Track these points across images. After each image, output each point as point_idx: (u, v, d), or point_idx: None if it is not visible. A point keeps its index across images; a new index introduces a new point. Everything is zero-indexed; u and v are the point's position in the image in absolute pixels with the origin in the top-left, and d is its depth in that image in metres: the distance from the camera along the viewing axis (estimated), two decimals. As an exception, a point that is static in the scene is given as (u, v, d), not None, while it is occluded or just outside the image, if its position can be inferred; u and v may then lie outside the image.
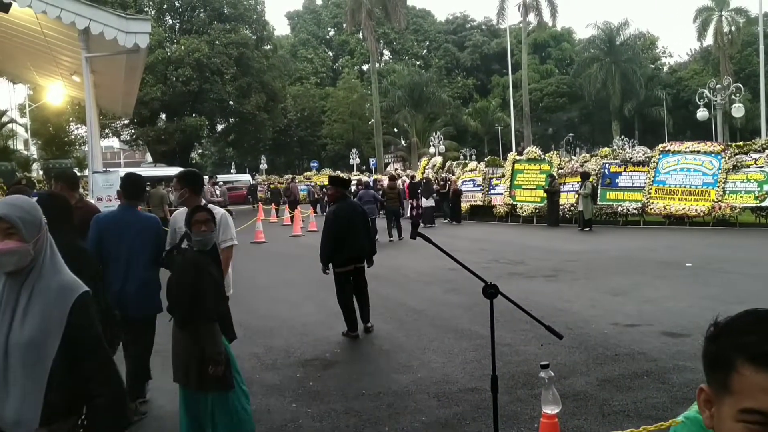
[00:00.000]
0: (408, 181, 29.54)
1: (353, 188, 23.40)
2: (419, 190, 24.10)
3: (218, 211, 4.65)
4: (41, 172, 26.54)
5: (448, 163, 30.34)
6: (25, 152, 32.00)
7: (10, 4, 12.76)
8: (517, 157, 24.85)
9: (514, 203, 23.60)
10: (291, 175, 43.39)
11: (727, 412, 1.14)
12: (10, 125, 20.80)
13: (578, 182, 20.78)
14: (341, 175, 15.50)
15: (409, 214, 24.90)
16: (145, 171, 37.91)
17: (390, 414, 5.30)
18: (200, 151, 68.25)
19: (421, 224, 22.26)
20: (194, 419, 4.34)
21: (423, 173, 29.22)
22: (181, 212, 5.33)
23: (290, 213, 26.61)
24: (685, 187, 19.62)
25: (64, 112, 40.13)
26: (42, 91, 31.24)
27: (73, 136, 47.05)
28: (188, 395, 4.34)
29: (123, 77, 19.22)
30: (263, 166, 55.92)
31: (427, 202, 23.58)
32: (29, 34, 17.12)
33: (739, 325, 1.17)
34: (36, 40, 17.37)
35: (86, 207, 6.22)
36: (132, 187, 5.70)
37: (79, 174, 13.78)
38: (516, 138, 49.34)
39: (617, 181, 21.25)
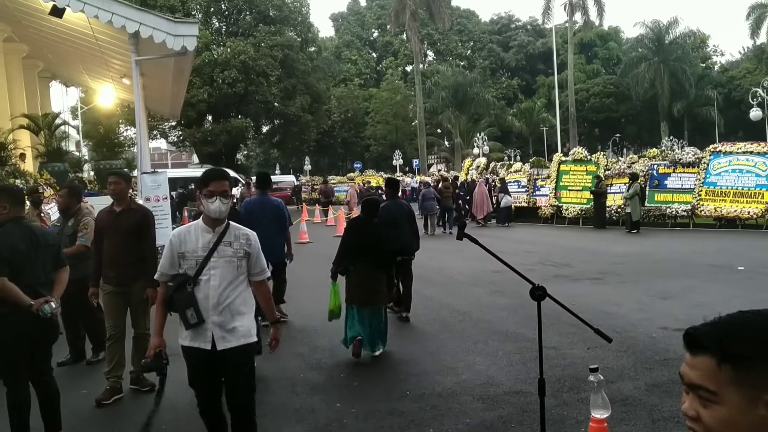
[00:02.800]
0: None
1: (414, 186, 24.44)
2: (493, 189, 24.53)
3: (249, 233, 4.15)
4: (92, 173, 27.14)
5: (492, 164, 30.13)
6: (77, 153, 32.78)
7: (63, 10, 13.08)
8: (563, 158, 24.54)
9: (560, 205, 23.30)
10: (324, 177, 43.65)
11: None
12: (63, 127, 21.28)
13: (626, 183, 20.42)
14: (395, 177, 15.84)
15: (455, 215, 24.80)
16: (190, 172, 38.56)
17: (434, 415, 5.28)
18: (246, 152, 69.02)
19: (501, 224, 23.39)
20: (360, 326, 6.97)
21: (467, 174, 29.06)
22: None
23: (322, 211, 28.58)
24: (737, 188, 19.12)
25: (114, 114, 40.96)
26: (93, 93, 32.05)
27: (122, 138, 47.99)
28: (361, 311, 7.02)
29: (171, 80, 19.57)
30: (307, 167, 56.36)
31: (504, 201, 23.59)
32: (82, 39, 17.54)
33: None
34: (88, 44, 17.79)
35: (140, 209, 6.36)
36: (262, 181, 9.24)
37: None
38: (561, 139, 48.75)
39: (666, 182, 20.82)
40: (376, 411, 5.43)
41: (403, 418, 5.24)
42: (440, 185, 23.07)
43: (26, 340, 4.56)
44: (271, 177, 10.27)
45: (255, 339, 4.11)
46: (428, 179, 30.95)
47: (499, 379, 6.14)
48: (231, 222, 4.10)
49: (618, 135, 67.08)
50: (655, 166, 21.20)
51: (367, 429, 5.06)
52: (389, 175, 29.12)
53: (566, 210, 22.94)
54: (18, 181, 12.85)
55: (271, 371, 6.62)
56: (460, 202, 24.79)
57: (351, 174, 48.07)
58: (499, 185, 24.60)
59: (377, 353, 7.07)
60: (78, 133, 40.99)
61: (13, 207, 4.70)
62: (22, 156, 15.67)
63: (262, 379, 6.39)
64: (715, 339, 1.20)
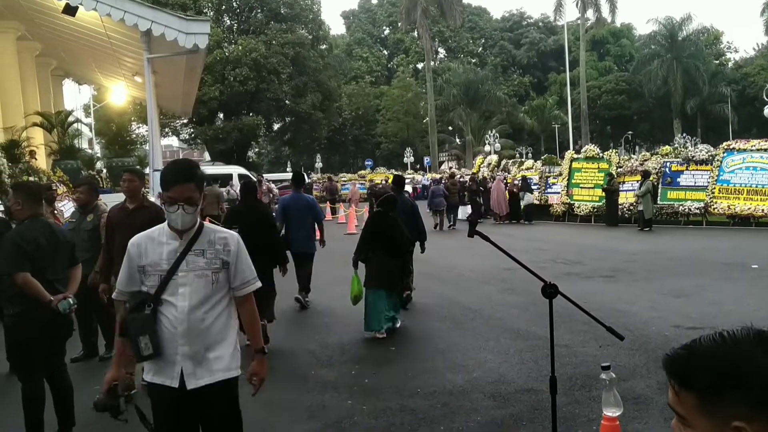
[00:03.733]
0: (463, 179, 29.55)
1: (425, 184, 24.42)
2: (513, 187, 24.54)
3: (228, 235, 3.29)
4: (105, 170, 27.27)
5: (503, 162, 30.05)
6: (90, 151, 32.96)
7: (76, 8, 13.16)
8: (575, 156, 24.42)
9: (572, 202, 23.20)
10: (328, 175, 43.61)
11: None
12: (75, 125, 21.38)
13: (638, 181, 20.30)
14: (401, 175, 16.34)
15: (469, 213, 24.82)
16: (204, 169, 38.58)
17: (445, 413, 5.27)
18: (257, 149, 69.17)
19: (524, 221, 23.60)
20: (380, 308, 7.81)
21: (478, 171, 29.01)
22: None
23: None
24: (751, 186, 18.95)
25: (127, 111, 41.18)
26: (106, 91, 32.22)
27: (134, 135, 48.24)
28: (381, 293, 7.84)
29: (183, 77, 19.65)
30: (318, 164, 56.37)
31: (526, 199, 23.66)
32: (94, 37, 17.64)
33: None
34: (100, 42, 17.89)
35: (153, 207, 6.39)
36: (297, 180, 10.34)
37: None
38: (573, 136, 48.56)
39: (679, 180, 20.68)
40: (387, 408, 5.42)
41: (413, 416, 5.23)
42: (447, 182, 24.37)
43: (43, 337, 4.60)
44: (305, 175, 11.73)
45: (237, 373, 3.22)
46: (437, 177, 31.25)
47: (510, 377, 6.13)
48: (205, 224, 3.23)
49: (630, 132, 66.70)
50: (668, 164, 21.07)
51: (378, 426, 5.06)
52: (398, 173, 29.55)
53: (578, 207, 22.84)
54: (31, 179, 12.92)
55: (283, 367, 6.64)
56: (476, 198, 24.76)
57: (362, 171, 48.06)
58: (519, 183, 24.51)
59: (396, 325, 8.11)
60: (90, 131, 41.24)
61: (28, 204, 4.73)
62: (32, 153, 15.76)
63: (273, 374, 6.41)
64: (678, 367, 1.24)
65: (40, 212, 4.94)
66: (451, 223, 23.04)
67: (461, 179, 27.95)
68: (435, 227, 21.63)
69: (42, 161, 18.28)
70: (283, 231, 9.18)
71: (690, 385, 1.21)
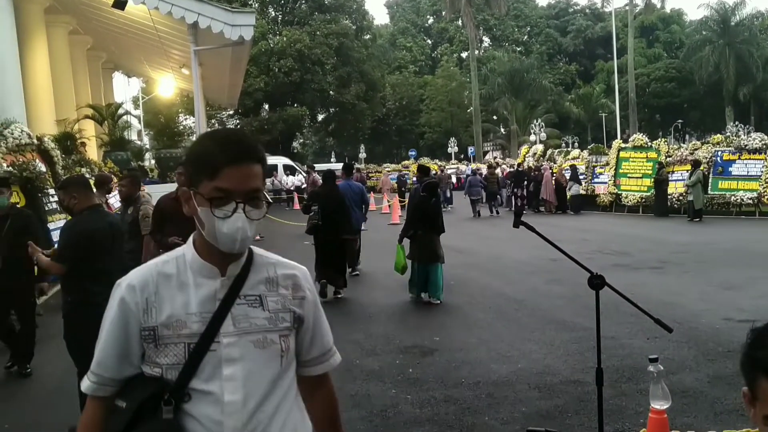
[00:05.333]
0: (507, 169, 29.40)
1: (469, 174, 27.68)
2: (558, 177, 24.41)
3: (297, 270, 1.87)
4: (153, 161, 27.82)
5: (549, 151, 29.69)
6: (139, 142, 33.66)
7: (125, 2, 13.40)
8: (623, 145, 23.99)
9: (619, 192, 22.83)
10: (357, 167, 43.53)
11: (758, 414, 1.24)
12: (125, 117, 21.89)
13: (688, 171, 19.86)
14: (427, 164, 16.99)
15: (514, 203, 24.65)
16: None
17: (489, 403, 5.27)
18: (301, 140, 69.64)
19: (570, 212, 23.52)
20: (419, 281, 9.11)
21: (523, 161, 28.74)
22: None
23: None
24: (806, 175, 18.39)
25: (174, 103, 41.94)
26: (153, 83, 32.81)
27: (182, 127, 49.11)
28: (423, 265, 9.05)
29: (228, 69, 19.89)
30: (362, 155, 56.48)
31: (574, 189, 23.50)
32: (142, 30, 17.96)
33: (760, 338, 1.27)
34: (148, 35, 18.20)
35: None
36: (348, 169, 12.24)
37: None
38: (621, 125, 47.67)
39: (730, 169, 20.16)
40: (431, 398, 5.44)
41: (458, 406, 5.23)
42: (486, 172, 25.99)
43: (97, 325, 4.72)
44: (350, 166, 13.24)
45: None
46: (474, 167, 31.59)
47: (555, 368, 6.08)
48: (255, 250, 1.82)
49: (680, 121, 65.20)
50: (719, 153, 20.55)
51: (422, 416, 5.08)
52: (421, 163, 29.59)
53: (625, 198, 22.47)
54: (84, 170, 13.26)
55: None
56: (515, 190, 24.55)
57: (405, 162, 48.01)
58: (568, 172, 24.23)
59: (436, 302, 9.02)
60: (139, 123, 42.07)
61: (83, 195, 4.84)
62: (83, 144, 16.16)
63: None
64: None
65: (97, 202, 5.07)
66: (495, 211, 24.01)
67: (511, 169, 27.93)
68: (473, 215, 23.35)
69: (93, 153, 18.74)
70: (317, 219, 9.95)
71: None
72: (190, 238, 1.75)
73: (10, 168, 9.86)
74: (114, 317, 1.71)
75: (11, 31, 13.99)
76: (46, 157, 11.70)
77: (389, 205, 25.01)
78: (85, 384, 1.75)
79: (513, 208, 23.69)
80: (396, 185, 32.44)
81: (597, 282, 3.26)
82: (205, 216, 1.63)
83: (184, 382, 1.64)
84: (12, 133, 10.68)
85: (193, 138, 40.46)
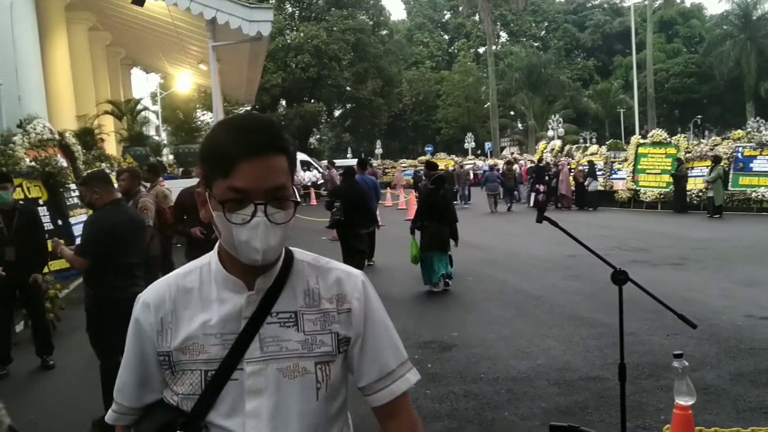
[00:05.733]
0: (525, 165, 29.31)
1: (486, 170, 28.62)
2: (580, 174, 24.22)
3: (346, 273, 1.54)
4: (171, 156, 27.99)
5: (567, 147, 29.53)
6: (157, 138, 33.83)
7: (145, -2, 13.48)
8: (641, 141, 23.82)
9: (637, 188, 22.67)
10: (369, 162, 43.47)
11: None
12: (144, 112, 22.05)
13: (708, 167, 19.67)
14: (433, 160, 17.49)
15: (535, 199, 24.50)
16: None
17: (509, 399, 5.26)
18: (318, 136, 69.74)
19: (587, 208, 23.22)
20: (435, 266, 9.49)
21: (541, 157, 28.61)
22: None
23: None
24: (829, 171, 18.16)
25: (192, 99, 42.14)
26: (172, 79, 32.97)
27: (199, 122, 49.34)
28: (435, 254, 9.50)
29: (246, 65, 19.95)
30: (378, 150, 56.45)
31: (592, 185, 23.37)
32: (161, 26, 18.06)
33: None
34: (167, 32, 18.30)
35: None
36: (362, 164, 12.36)
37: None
38: (639, 121, 47.27)
39: (751, 165, 19.94)
40: (450, 393, 5.44)
41: (477, 401, 5.24)
42: (503, 168, 26.56)
43: (119, 317, 4.78)
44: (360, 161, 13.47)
45: None
46: (492, 163, 31.67)
47: (575, 364, 6.06)
48: (297, 252, 1.53)
49: (699, 116, 64.48)
50: (740, 149, 20.34)
51: (441, 411, 5.08)
52: (431, 159, 29.61)
53: (644, 194, 22.31)
54: (104, 165, 13.37)
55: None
56: (537, 186, 24.38)
57: (422, 157, 47.90)
58: (586, 168, 24.08)
59: (447, 281, 9.74)
60: (157, 118, 42.29)
61: (104, 190, 4.89)
62: (102, 140, 16.30)
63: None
64: None
65: (118, 197, 5.12)
66: (509, 206, 24.65)
67: (531, 164, 27.91)
68: (490, 209, 23.61)
69: (112, 148, 18.88)
70: (339, 215, 10.36)
71: None
72: (216, 245, 1.46)
73: (33, 163, 9.97)
74: (130, 340, 1.48)
75: (33, 28, 14.11)
76: (67, 152, 11.81)
77: (406, 201, 25.00)
78: (108, 413, 1.55)
79: (534, 204, 23.57)
80: (412, 181, 32.45)
81: (620, 277, 3.24)
82: (220, 222, 1.33)
83: (199, 414, 1.38)
84: (34, 129, 10.79)
85: (211, 133, 40.60)
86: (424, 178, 12.40)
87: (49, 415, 5.38)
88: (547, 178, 24.47)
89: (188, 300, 1.42)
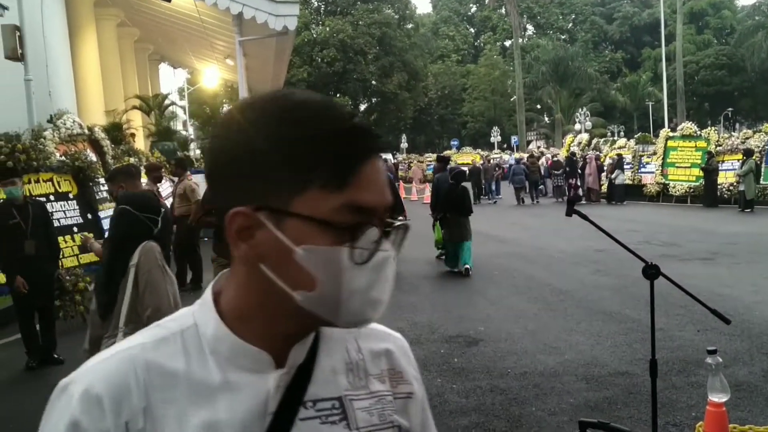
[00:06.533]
0: (551, 159, 29.11)
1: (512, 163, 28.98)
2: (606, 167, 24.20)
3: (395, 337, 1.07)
4: (198, 151, 28.20)
5: (594, 140, 29.24)
6: (184, 132, 34.15)
7: (172, -7, 13.57)
8: (671, 134, 23.48)
9: (667, 182, 22.37)
10: (384, 156, 43.47)
11: None
12: (171, 107, 22.25)
13: (739, 160, 19.34)
14: (445, 155, 17.79)
15: (568, 192, 24.20)
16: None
17: (536, 394, 5.22)
18: (343, 130, 69.66)
19: (614, 202, 23.15)
20: (453, 256, 10.71)
21: (568, 151, 28.35)
22: None
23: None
24: None
25: (218, 94, 42.41)
26: (198, 74, 33.19)
27: (226, 117, 49.61)
28: (456, 243, 10.60)
29: (272, 59, 19.99)
30: (404, 145, 56.38)
31: (620, 179, 23.13)
32: (188, 21, 18.17)
33: None
34: (194, 27, 18.42)
35: None
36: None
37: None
38: (668, 114, 46.64)
39: (784, 158, 19.57)
40: (476, 388, 5.41)
41: (504, 396, 5.20)
42: (529, 162, 26.96)
43: None
44: None
45: None
46: (518, 157, 31.88)
47: (603, 360, 5.99)
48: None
49: (730, 109, 63.46)
50: (773, 142, 19.96)
51: (468, 405, 5.05)
52: (440, 153, 29.55)
53: (673, 188, 22.01)
54: (132, 159, 13.50)
55: (372, 345, 6.72)
56: (571, 180, 24.13)
57: (447, 151, 47.76)
58: (614, 161, 23.81)
59: (465, 267, 10.45)
60: (185, 113, 42.66)
61: (129, 183, 4.93)
62: (133, 135, 16.47)
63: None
64: None
65: (144, 189, 5.16)
66: (537, 199, 25.48)
67: (555, 159, 27.72)
68: (517, 202, 24.54)
69: (140, 143, 19.07)
70: None
71: None
72: (208, 292, 0.91)
73: (63, 157, 10.09)
74: None
75: (63, 25, 14.29)
76: (97, 146, 11.94)
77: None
78: None
79: (566, 197, 23.38)
80: (432, 175, 32.46)
81: (652, 272, 3.18)
82: (324, 263, 0.80)
83: None
84: (64, 124, 10.92)
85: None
86: (433, 173, 12.60)
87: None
88: (580, 171, 24.22)
89: (170, 388, 0.83)
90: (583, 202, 23.51)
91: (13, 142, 8.78)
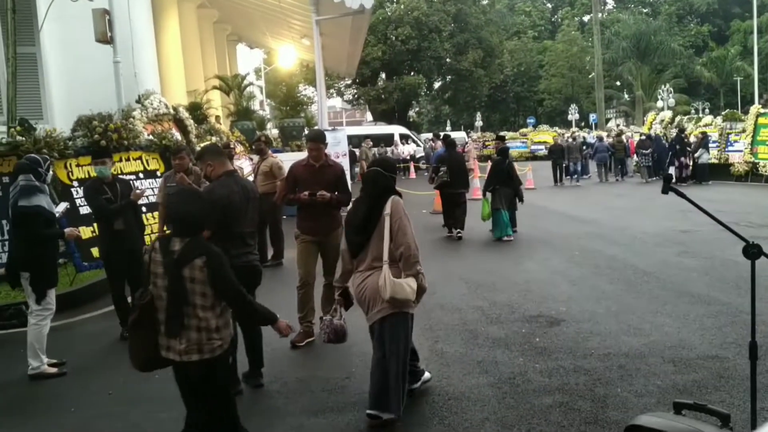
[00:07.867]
0: (632, 137, 28.33)
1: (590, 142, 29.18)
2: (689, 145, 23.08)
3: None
4: (275, 131, 28.65)
5: (678, 118, 28.18)
6: (261, 112, 34.71)
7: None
8: (762, 110, 22.38)
9: (757, 161, 21.38)
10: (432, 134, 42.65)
11: None
12: (250, 87, 22.63)
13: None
14: (450, 135, 17.35)
15: (676, 173, 23.08)
16: (364, 129, 39.65)
17: (621, 375, 5.12)
18: (417, 109, 69.55)
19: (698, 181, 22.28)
20: (502, 223, 11.83)
21: (650, 129, 27.45)
22: None
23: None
24: None
25: (294, 74, 42.87)
26: (275, 54, 33.66)
27: (302, 97, 50.20)
28: (503, 212, 11.73)
29: (348, 38, 20.08)
30: (478, 123, 55.75)
31: (704, 158, 22.27)
32: (266, 2, 18.40)
33: None
34: (271, 7, 18.65)
35: (336, 165, 6.62)
36: (444, 140, 13.34)
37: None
38: (759, 89, 44.47)
39: None
40: (559, 367, 5.35)
41: (588, 376, 5.12)
42: (614, 140, 26.90)
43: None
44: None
45: None
46: (601, 134, 30.82)
47: (691, 343, 5.82)
48: None
49: (827, 83, 60.09)
50: None
51: (551, 385, 5.00)
52: (446, 133, 28.50)
53: (764, 167, 21.03)
54: (214, 138, 13.85)
55: (452, 322, 6.73)
56: (681, 159, 23.00)
57: (523, 129, 47.01)
58: (699, 139, 22.68)
59: (508, 239, 11.70)
60: (261, 93, 43.33)
61: (218, 162, 5.05)
62: (217, 118, 16.86)
63: (443, 329, 6.53)
64: None
65: (232, 168, 5.27)
66: (619, 177, 25.60)
67: (639, 136, 27.04)
68: (599, 179, 24.91)
69: (220, 122, 19.52)
70: (446, 177, 12.11)
71: None
72: None
73: (150, 136, 10.43)
74: None
75: (147, 8, 14.70)
76: (181, 125, 12.30)
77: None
78: None
79: (661, 175, 22.32)
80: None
81: (753, 251, 3.07)
82: None
83: None
84: (152, 104, 11.28)
85: (313, 108, 41.29)
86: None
87: (128, 398, 5.65)
88: (688, 149, 22.97)
89: None
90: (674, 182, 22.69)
91: (105, 122, 9.12)
